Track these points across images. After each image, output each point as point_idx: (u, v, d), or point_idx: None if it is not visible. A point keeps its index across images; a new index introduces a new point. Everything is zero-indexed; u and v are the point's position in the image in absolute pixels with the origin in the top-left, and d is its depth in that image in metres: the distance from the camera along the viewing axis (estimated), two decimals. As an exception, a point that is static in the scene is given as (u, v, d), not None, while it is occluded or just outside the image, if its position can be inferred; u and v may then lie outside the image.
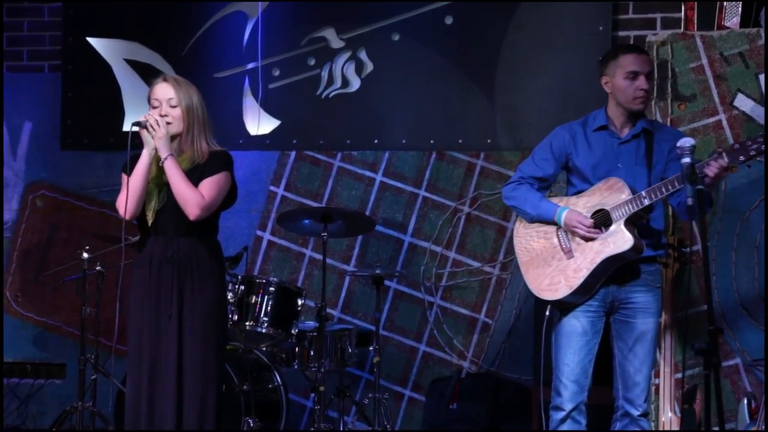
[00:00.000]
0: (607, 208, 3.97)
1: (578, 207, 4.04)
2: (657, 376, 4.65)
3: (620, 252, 3.92)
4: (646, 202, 3.90)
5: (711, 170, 3.80)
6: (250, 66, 5.89)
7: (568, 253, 4.03)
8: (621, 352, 4.05)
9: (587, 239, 3.97)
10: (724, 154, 3.79)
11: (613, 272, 3.98)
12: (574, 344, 4.02)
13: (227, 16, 5.92)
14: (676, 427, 4.53)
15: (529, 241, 4.15)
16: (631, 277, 4.02)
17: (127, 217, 4.06)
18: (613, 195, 3.97)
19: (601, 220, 3.98)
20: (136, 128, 4.04)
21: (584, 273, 3.96)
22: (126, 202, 4.03)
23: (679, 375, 4.65)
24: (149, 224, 4.09)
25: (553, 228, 4.09)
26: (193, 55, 5.91)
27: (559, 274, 4.02)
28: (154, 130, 4.02)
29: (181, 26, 5.94)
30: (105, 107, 6.00)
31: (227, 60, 5.90)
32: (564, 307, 4.05)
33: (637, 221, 3.97)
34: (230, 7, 5.91)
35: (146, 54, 5.98)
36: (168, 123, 4.05)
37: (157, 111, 4.08)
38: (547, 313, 4.05)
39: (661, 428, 4.56)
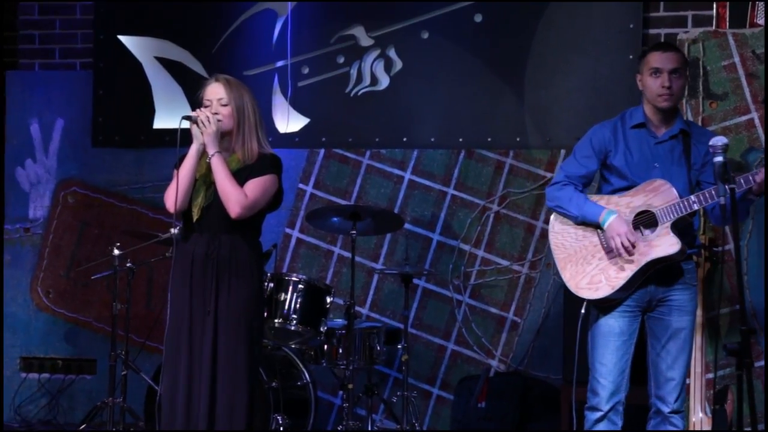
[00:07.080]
0: (653, 210, 3.96)
1: (621, 207, 4.02)
2: (688, 376, 4.62)
3: (667, 255, 3.92)
4: (696, 206, 3.91)
5: (760, 177, 3.82)
6: (280, 64, 5.90)
7: (610, 253, 4.01)
8: (654, 350, 4.05)
9: (619, 252, 3.96)
10: None
11: (654, 272, 3.98)
12: (611, 345, 4.02)
13: (257, 14, 5.94)
14: (707, 428, 4.50)
15: (567, 237, 4.12)
16: (673, 275, 4.01)
17: (173, 210, 4.09)
18: (658, 197, 3.96)
19: (646, 221, 3.97)
20: (186, 122, 4.07)
21: (628, 274, 3.95)
22: (175, 194, 4.05)
23: (711, 375, 4.61)
24: (194, 220, 4.11)
25: (592, 225, 4.07)
26: (223, 52, 5.93)
27: (600, 273, 4.01)
28: (204, 126, 4.04)
29: (211, 24, 5.97)
30: (136, 105, 6.03)
31: (257, 58, 5.91)
32: (602, 305, 4.03)
33: (681, 224, 3.96)
34: (260, 6, 5.93)
35: (177, 52, 6.01)
36: (219, 120, 4.07)
37: (208, 110, 4.11)
38: (582, 310, 4.02)
39: (691, 428, 4.53)
